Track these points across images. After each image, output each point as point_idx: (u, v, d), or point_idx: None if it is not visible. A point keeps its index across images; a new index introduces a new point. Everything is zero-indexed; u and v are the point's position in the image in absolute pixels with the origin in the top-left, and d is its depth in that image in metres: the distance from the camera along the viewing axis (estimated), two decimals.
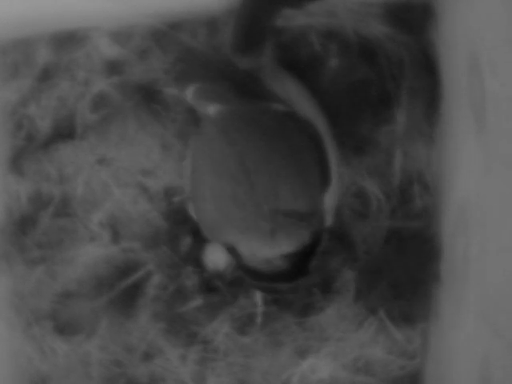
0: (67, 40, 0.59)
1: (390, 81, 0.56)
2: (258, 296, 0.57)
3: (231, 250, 0.49)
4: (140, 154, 0.58)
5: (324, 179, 0.48)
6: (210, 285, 0.57)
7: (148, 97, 0.58)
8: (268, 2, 0.49)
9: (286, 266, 0.48)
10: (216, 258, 0.57)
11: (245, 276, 0.50)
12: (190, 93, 0.47)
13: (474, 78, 0.47)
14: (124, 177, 0.59)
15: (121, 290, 0.58)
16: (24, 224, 0.59)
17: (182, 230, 0.52)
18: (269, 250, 0.47)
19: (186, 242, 0.57)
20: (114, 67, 0.59)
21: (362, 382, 0.57)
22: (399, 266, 0.56)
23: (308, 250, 0.48)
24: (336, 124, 0.55)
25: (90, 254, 0.59)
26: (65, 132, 0.59)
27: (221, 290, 0.53)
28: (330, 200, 0.49)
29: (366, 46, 0.57)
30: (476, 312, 0.47)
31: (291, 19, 0.56)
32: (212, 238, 0.51)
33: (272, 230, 0.47)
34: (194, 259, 0.57)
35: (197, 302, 0.57)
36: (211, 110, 0.48)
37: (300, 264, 0.48)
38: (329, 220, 0.50)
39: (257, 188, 0.46)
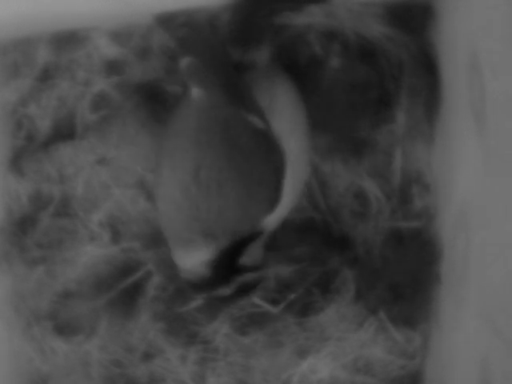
0: (67, 40, 0.59)
1: (390, 81, 0.56)
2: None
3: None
4: (140, 154, 0.58)
5: (272, 203, 0.47)
6: None
7: (148, 97, 0.58)
8: (267, 2, 0.49)
9: (209, 274, 0.47)
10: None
11: (188, 288, 0.50)
12: (183, 64, 0.45)
13: (474, 77, 0.47)
14: (124, 177, 0.59)
15: (121, 290, 0.58)
16: (24, 224, 0.59)
17: None
18: (188, 258, 0.47)
19: None
20: (113, 67, 0.59)
21: (361, 381, 0.57)
22: (399, 266, 0.56)
23: (230, 253, 0.47)
24: (335, 124, 0.56)
25: (90, 254, 0.59)
26: (65, 132, 0.59)
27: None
28: (275, 216, 0.48)
29: (365, 46, 0.56)
30: (476, 312, 0.47)
31: (290, 19, 0.56)
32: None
33: (188, 237, 0.46)
34: None
35: (197, 302, 0.57)
36: (195, 93, 0.46)
37: (223, 269, 0.47)
38: (268, 230, 0.49)
39: (201, 205, 0.46)
